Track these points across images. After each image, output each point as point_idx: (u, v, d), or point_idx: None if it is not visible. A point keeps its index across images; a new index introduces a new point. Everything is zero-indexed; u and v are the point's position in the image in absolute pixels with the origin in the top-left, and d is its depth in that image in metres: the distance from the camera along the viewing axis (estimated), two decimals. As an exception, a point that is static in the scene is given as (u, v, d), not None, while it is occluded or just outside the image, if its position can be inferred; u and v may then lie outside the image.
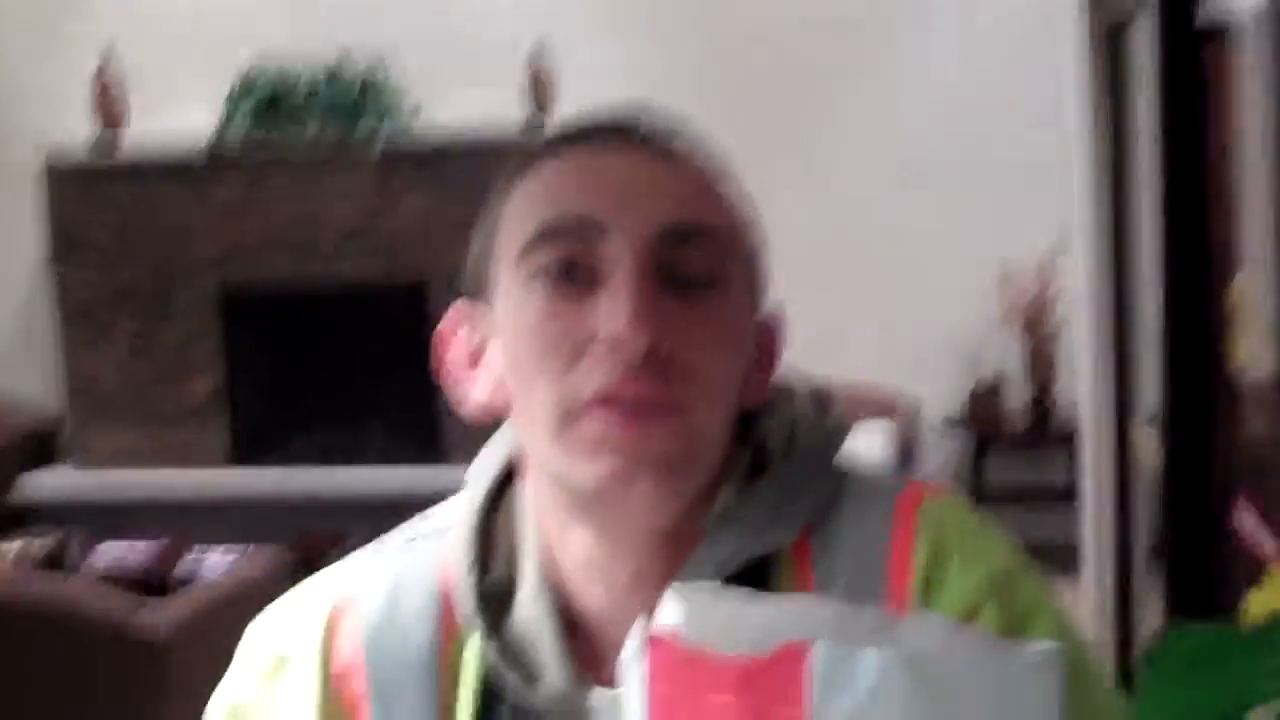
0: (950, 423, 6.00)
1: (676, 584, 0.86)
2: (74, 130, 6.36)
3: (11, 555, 4.14)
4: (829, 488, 0.98)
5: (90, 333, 6.39)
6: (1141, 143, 3.08)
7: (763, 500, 0.96)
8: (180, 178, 6.25)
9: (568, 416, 0.91)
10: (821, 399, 1.04)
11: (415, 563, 1.03)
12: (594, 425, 0.90)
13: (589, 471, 0.90)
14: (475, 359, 1.00)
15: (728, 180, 1.00)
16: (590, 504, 0.93)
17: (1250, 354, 2.23)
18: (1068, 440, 4.75)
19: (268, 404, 6.47)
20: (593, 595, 0.97)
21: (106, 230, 6.32)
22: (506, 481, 1.03)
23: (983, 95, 5.91)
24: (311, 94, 6.17)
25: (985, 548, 0.96)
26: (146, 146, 6.29)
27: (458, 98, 6.13)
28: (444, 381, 1.02)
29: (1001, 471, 5.93)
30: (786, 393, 1.03)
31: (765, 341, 1.00)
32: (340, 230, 6.14)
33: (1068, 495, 4.30)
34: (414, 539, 1.06)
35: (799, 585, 0.95)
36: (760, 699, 0.76)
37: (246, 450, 6.36)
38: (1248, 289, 2.26)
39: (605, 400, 0.89)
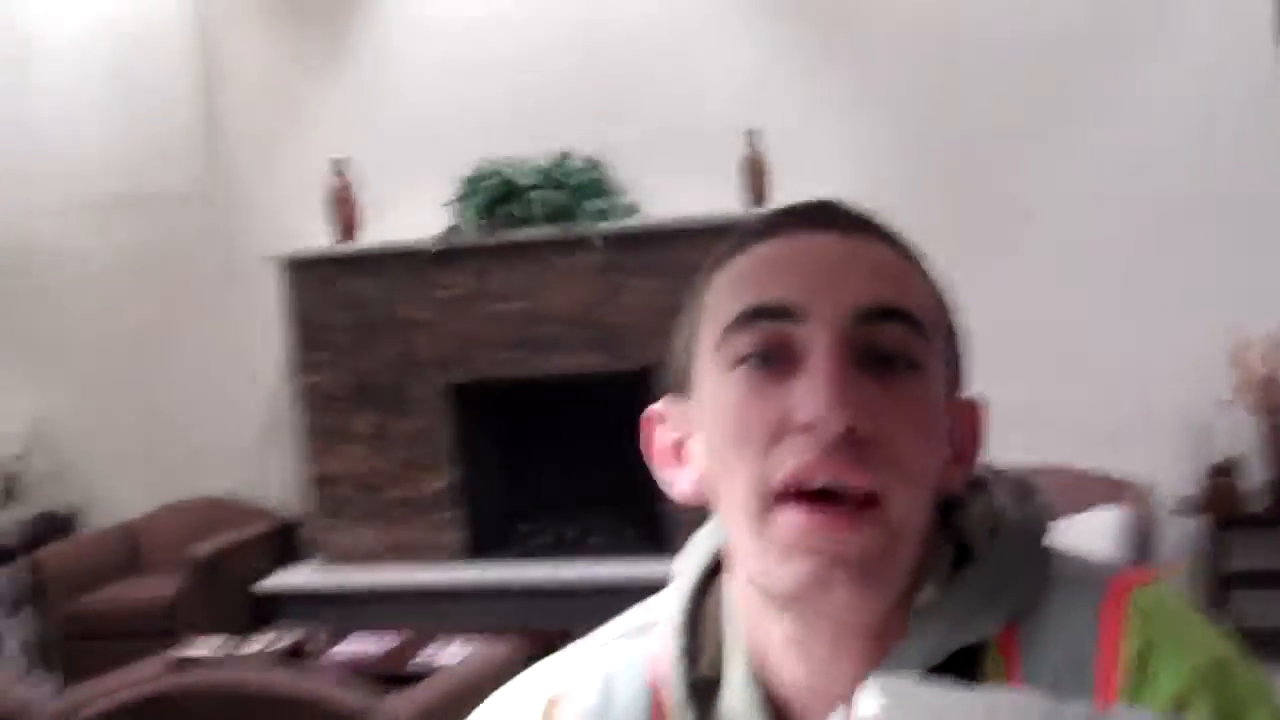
0: (1185, 505, 5.80)
1: (875, 673, 0.85)
2: (311, 236, 6.64)
3: (259, 648, 4.29)
4: (1035, 576, 0.96)
5: (330, 429, 6.60)
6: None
7: (967, 592, 0.95)
8: (411, 272, 6.45)
9: (763, 505, 0.91)
10: (1023, 486, 1.03)
11: (627, 656, 1.04)
12: (789, 524, 0.89)
13: (785, 575, 0.90)
14: (678, 453, 1.01)
15: (925, 264, 1.00)
16: (788, 603, 0.93)
17: None
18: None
19: (498, 496, 6.60)
20: (795, 675, 0.96)
21: (343, 326, 6.55)
22: (714, 573, 1.04)
23: (1209, 162, 5.76)
24: (534, 190, 6.31)
25: (1197, 637, 0.93)
26: (378, 245, 6.52)
27: (675, 191, 6.23)
28: (653, 470, 1.03)
29: (1242, 555, 5.71)
30: (987, 481, 1.02)
31: (965, 428, 0.99)
32: (563, 321, 6.27)
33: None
34: (626, 633, 1.08)
35: (1006, 676, 0.93)
36: None
37: (478, 543, 6.48)
38: None
39: (800, 488, 0.89)
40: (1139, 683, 0.91)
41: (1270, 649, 5.68)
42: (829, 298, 0.92)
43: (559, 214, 6.29)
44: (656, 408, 1.03)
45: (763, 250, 0.97)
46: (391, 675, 4.53)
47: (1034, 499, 1.02)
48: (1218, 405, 5.76)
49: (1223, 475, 5.71)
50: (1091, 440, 5.79)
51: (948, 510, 0.99)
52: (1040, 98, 5.97)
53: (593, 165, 6.35)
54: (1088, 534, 4.23)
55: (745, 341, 0.93)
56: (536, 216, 6.31)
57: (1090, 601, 0.94)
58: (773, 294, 0.93)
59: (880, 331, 0.92)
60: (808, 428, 0.89)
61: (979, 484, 1.01)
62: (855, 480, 0.89)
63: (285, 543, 6.79)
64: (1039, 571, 0.97)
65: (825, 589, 0.90)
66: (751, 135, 6.11)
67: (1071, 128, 5.95)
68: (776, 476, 0.90)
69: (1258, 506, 5.71)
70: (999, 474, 1.04)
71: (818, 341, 0.91)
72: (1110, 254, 5.91)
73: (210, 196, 7.05)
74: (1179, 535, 5.86)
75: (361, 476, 6.58)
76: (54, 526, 7.11)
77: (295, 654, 4.25)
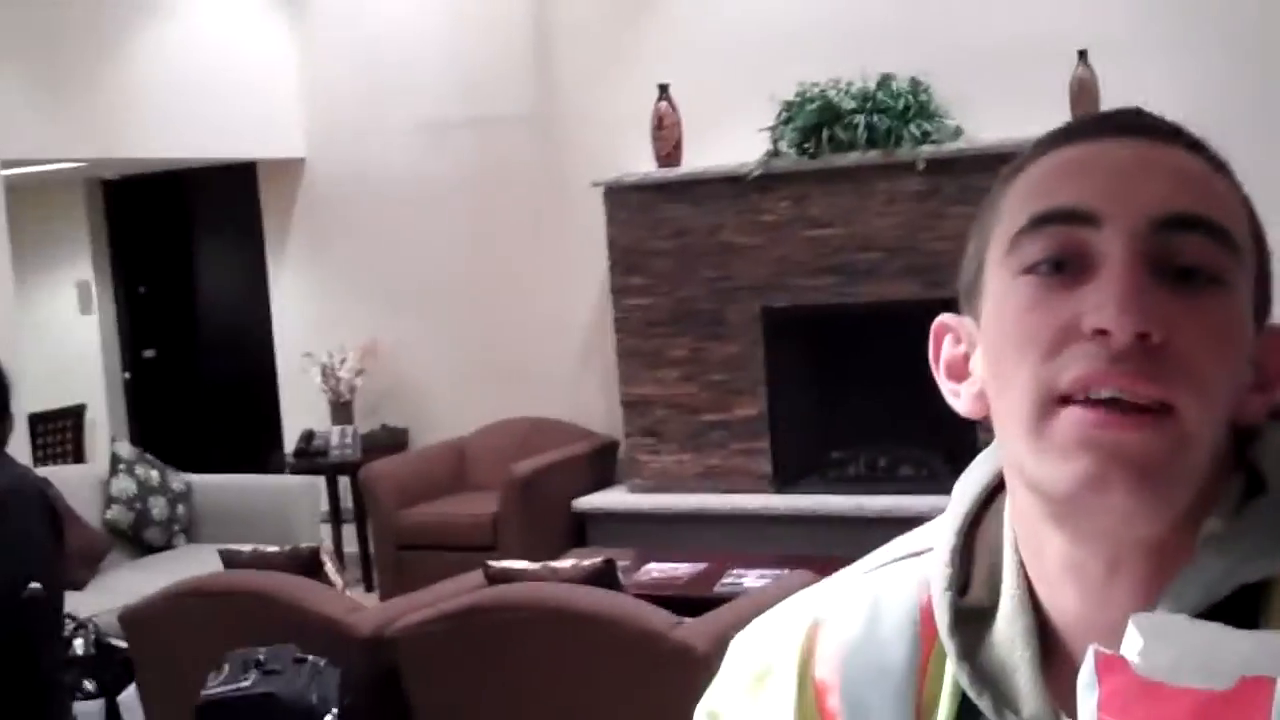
0: None
1: (1138, 613, 0.81)
2: (635, 162, 6.72)
3: (566, 569, 4.38)
4: None
5: (647, 353, 6.71)
6: None
7: (1258, 524, 0.89)
8: (730, 198, 6.47)
9: (1043, 410, 0.86)
10: None
11: (896, 582, 1.01)
12: (1068, 422, 0.85)
13: (1062, 473, 0.85)
14: (965, 366, 0.98)
15: (1234, 178, 0.94)
16: (1064, 512, 0.88)
17: None
18: None
19: (809, 424, 6.58)
20: (1067, 602, 0.92)
21: (662, 251, 6.63)
22: (990, 500, 1.00)
23: None
24: (856, 114, 6.23)
25: None
26: (698, 170, 6.55)
27: (1001, 114, 6.03)
28: (939, 382, 1.00)
29: None
30: None
31: (1272, 355, 0.93)
32: (882, 248, 6.18)
33: None
34: (897, 558, 1.04)
35: None
36: None
37: (788, 470, 6.50)
38: None
39: (1086, 392, 0.84)
40: None
41: None
42: (1127, 202, 0.87)
43: (880, 138, 6.19)
44: (946, 319, 1.00)
45: (1061, 155, 0.92)
46: (695, 599, 4.58)
47: None
48: None
49: None
50: None
51: (1245, 441, 0.92)
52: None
53: (916, 88, 6.22)
54: None
55: (1036, 247, 0.89)
56: (858, 141, 6.23)
57: None
58: (1067, 197, 0.89)
59: (1181, 241, 0.87)
60: (1097, 334, 0.84)
61: (1276, 414, 0.94)
62: (1145, 390, 0.84)
63: (602, 464, 6.94)
64: None
65: (1103, 490, 0.84)
66: (1081, 56, 5.86)
67: None
68: (1061, 382, 0.85)
69: None
70: None
71: (1113, 247, 0.86)
72: None
73: (540, 122, 7.23)
74: None
75: (676, 401, 6.66)
76: (387, 443, 7.44)
77: (603, 573, 4.33)
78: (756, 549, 5.76)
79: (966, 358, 0.97)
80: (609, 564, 4.30)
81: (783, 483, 6.47)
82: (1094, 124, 0.94)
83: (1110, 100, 5.78)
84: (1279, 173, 5.51)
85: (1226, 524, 0.89)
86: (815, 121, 6.30)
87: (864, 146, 6.21)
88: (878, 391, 6.39)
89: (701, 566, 5.23)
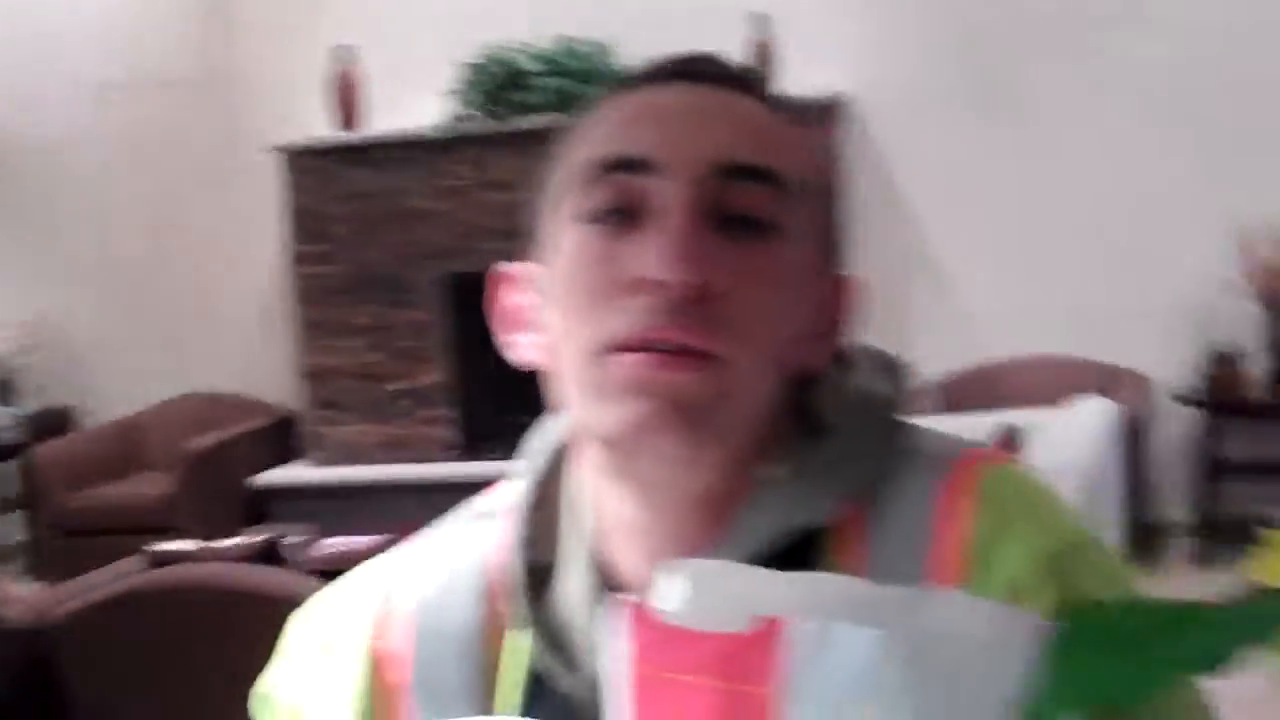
0: (1184, 395, 5.74)
1: (670, 562, 0.81)
2: (313, 125, 6.55)
3: (229, 548, 4.29)
4: (883, 457, 0.92)
5: (328, 322, 6.56)
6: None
7: (810, 469, 0.90)
8: (413, 162, 6.38)
9: (599, 357, 0.86)
10: (889, 366, 0.99)
11: (468, 544, 1.00)
12: (623, 367, 0.85)
13: (616, 415, 0.85)
14: (523, 319, 0.96)
15: (800, 127, 0.94)
16: (621, 461, 0.88)
17: None
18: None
19: (494, 390, 6.52)
20: (634, 560, 0.91)
21: (343, 217, 6.49)
22: (559, 462, 0.99)
23: (1215, 51, 5.63)
24: (539, 76, 6.20)
25: (1045, 521, 0.88)
26: (380, 134, 6.43)
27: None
28: (496, 330, 0.99)
29: (1241, 446, 5.65)
30: (853, 362, 0.97)
31: (831, 304, 0.94)
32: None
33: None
34: (466, 521, 1.03)
35: (848, 558, 0.88)
36: (732, 678, 0.73)
37: (474, 437, 6.45)
38: None
39: (640, 341, 0.85)
40: (981, 566, 0.86)
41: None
42: (685, 151, 0.87)
43: (565, 101, 6.14)
44: (506, 268, 0.99)
45: (625, 102, 0.92)
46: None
47: (897, 377, 0.98)
48: (1221, 294, 5.68)
49: (1224, 365, 5.67)
50: (1092, 330, 5.75)
51: (807, 387, 0.94)
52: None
53: (598, 49, 6.21)
54: (1076, 424, 4.13)
55: (598, 195, 0.89)
56: (542, 103, 6.16)
57: (934, 481, 0.90)
58: (626, 146, 0.89)
59: (741, 190, 0.87)
60: (653, 285, 0.85)
61: (843, 362, 0.97)
62: (697, 341, 0.85)
63: (282, 438, 6.79)
64: (885, 449, 0.93)
65: (656, 432, 0.85)
66: (758, 19, 5.93)
67: (1082, 19, 5.83)
68: (617, 332, 0.86)
69: (1260, 395, 5.66)
70: (868, 351, 0.99)
71: (670, 197, 0.86)
72: (1116, 144, 5.82)
73: (215, 83, 6.99)
74: (1177, 427, 5.80)
75: (359, 370, 6.56)
76: (53, 423, 7.10)
77: (274, 550, 4.23)
78: (443, 518, 5.68)
79: (530, 308, 0.95)
80: (272, 540, 4.27)
81: (470, 450, 6.42)
82: (661, 70, 0.93)
83: (792, 64, 5.88)
84: (955, 135, 5.84)
85: (783, 471, 0.90)
86: (499, 84, 6.27)
87: (549, 109, 6.16)
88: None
89: (385, 538, 5.12)
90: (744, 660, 0.73)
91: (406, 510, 5.95)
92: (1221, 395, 5.62)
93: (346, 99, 6.48)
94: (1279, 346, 5.60)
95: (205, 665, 3.81)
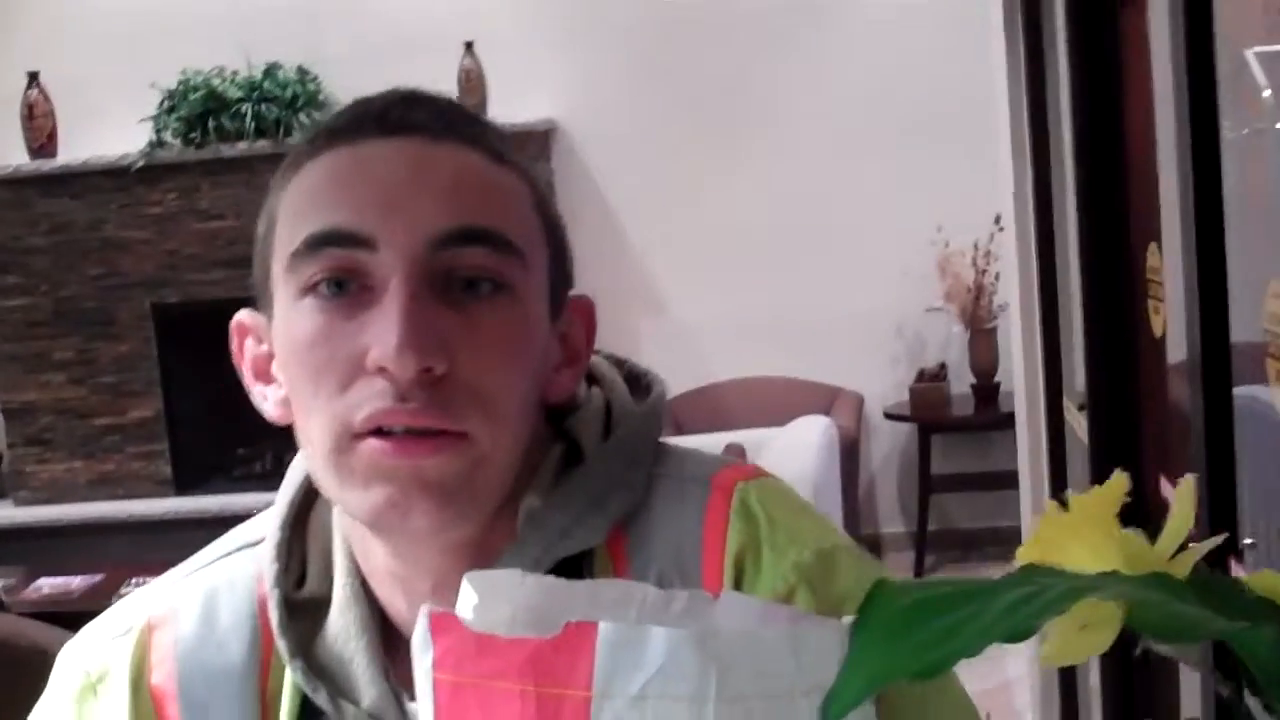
0: (894, 412, 5.95)
1: (471, 572, 0.80)
2: (4, 153, 6.29)
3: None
4: (641, 480, 0.93)
5: (28, 356, 6.32)
6: (1063, 111, 3.02)
7: (572, 499, 0.91)
8: (114, 190, 6.19)
9: (341, 443, 0.85)
10: (639, 383, 1.00)
11: (231, 577, 0.98)
12: (366, 454, 0.85)
13: (363, 501, 0.86)
14: (264, 370, 0.95)
15: (517, 164, 0.92)
16: (376, 531, 0.89)
17: (1167, 327, 2.19)
18: (1012, 425, 4.71)
19: (208, 423, 6.39)
20: (398, 605, 0.92)
21: (41, 248, 6.26)
22: (315, 495, 0.98)
23: (918, 68, 5.84)
24: (242, 104, 6.08)
25: (800, 531, 0.91)
26: (77, 162, 6.22)
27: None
28: (245, 383, 0.98)
29: (948, 460, 5.88)
30: (600, 380, 0.99)
31: (571, 335, 0.95)
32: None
33: (1014, 480, 4.26)
34: (231, 551, 1.01)
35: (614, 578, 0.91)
36: (546, 682, 0.74)
37: (189, 472, 6.30)
38: (1163, 259, 2.21)
39: (379, 429, 0.84)
40: (744, 577, 0.89)
41: (972, 549, 5.91)
42: (403, 224, 0.85)
43: (269, 127, 6.08)
44: (244, 318, 0.96)
45: (332, 161, 0.89)
46: (92, 613, 4.35)
47: (650, 393, 0.99)
48: (928, 315, 5.89)
49: (931, 381, 5.86)
50: (805, 350, 5.91)
51: (562, 413, 0.95)
52: (766, 8, 5.99)
53: (304, 77, 6.15)
54: (796, 443, 4.30)
55: (314, 269, 0.86)
56: (246, 130, 6.09)
57: (696, 499, 0.92)
58: (341, 218, 0.86)
59: (461, 255, 0.86)
60: (382, 371, 0.83)
61: (594, 380, 0.99)
62: (435, 424, 0.84)
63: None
64: (645, 473, 0.94)
65: (404, 513, 0.85)
66: (468, 47, 5.98)
67: (790, 40, 6.00)
68: (355, 419, 0.85)
69: (964, 412, 5.87)
70: (618, 365, 1.01)
71: (391, 272, 0.84)
72: (827, 168, 5.98)
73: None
74: (889, 443, 6.02)
75: (64, 406, 6.33)
76: None
77: (-12, 594, 4.07)
78: (162, 556, 5.53)
79: (268, 358, 0.94)
80: (6, 580, 4.09)
81: (184, 485, 6.27)
82: (363, 121, 0.90)
83: (498, 92, 5.92)
84: (664, 156, 5.96)
85: (544, 500, 0.91)
86: (200, 110, 6.14)
87: (253, 136, 6.08)
88: (279, 385, 6.27)
89: (98, 578, 4.98)
90: (554, 663, 0.73)
91: (119, 549, 5.81)
92: (928, 412, 5.80)
93: (38, 126, 6.25)
94: (978, 364, 5.82)
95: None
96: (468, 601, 0.77)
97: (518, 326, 0.88)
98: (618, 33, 6.10)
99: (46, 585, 4.98)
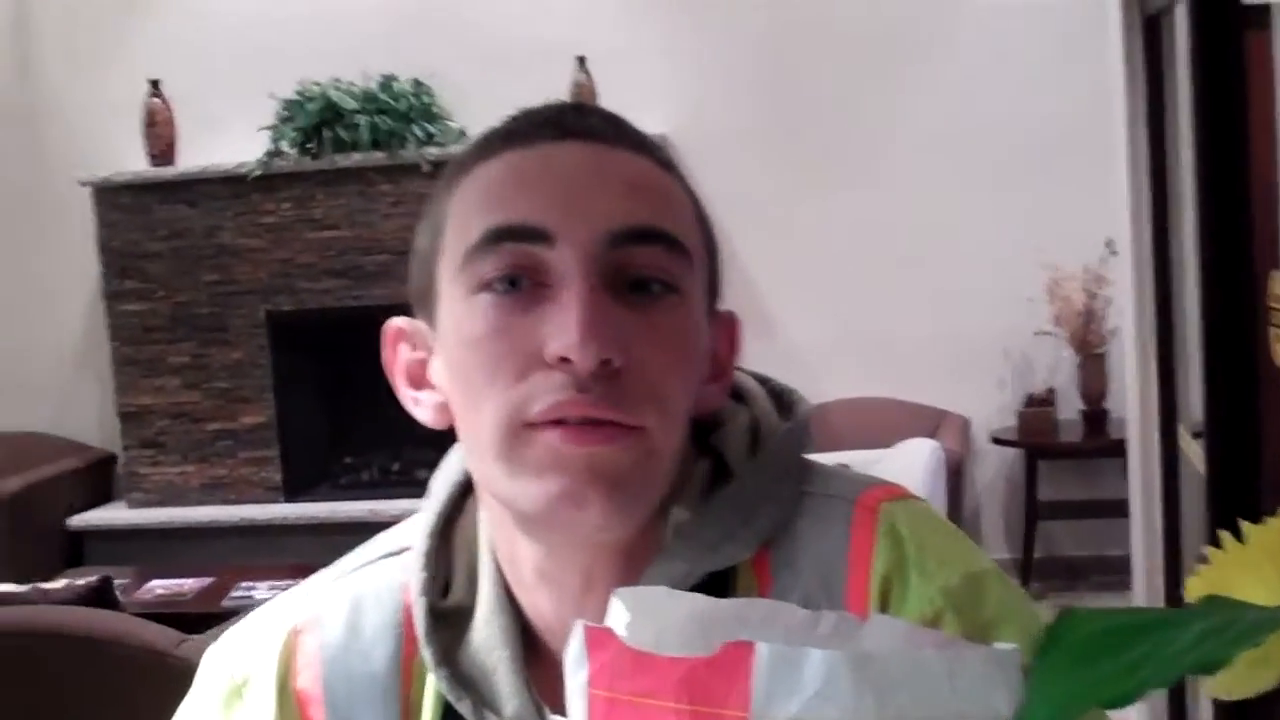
0: (1001, 437, 5.88)
1: (621, 588, 0.82)
2: (127, 160, 6.42)
3: (59, 590, 4.18)
4: (788, 497, 0.94)
5: (146, 361, 6.43)
6: (1182, 135, 2.98)
7: (720, 514, 0.92)
8: (231, 198, 6.29)
9: (514, 435, 0.86)
10: (783, 400, 1.00)
11: (376, 584, 0.99)
12: (541, 444, 0.85)
13: (535, 491, 0.86)
14: (419, 375, 0.96)
15: (682, 176, 0.95)
16: (537, 523, 0.89)
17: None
18: (1121, 452, 4.66)
19: (319, 431, 6.49)
20: (544, 607, 0.93)
21: (160, 254, 6.37)
22: (465, 495, 0.99)
23: (1028, 93, 5.81)
24: (359, 114, 6.17)
25: (947, 554, 0.91)
26: (196, 169, 6.33)
27: (504, 113, 6.10)
28: (396, 388, 0.98)
29: (1055, 486, 5.82)
30: (747, 393, 0.99)
31: (723, 343, 0.96)
32: (389, 250, 6.14)
33: (1122, 508, 4.20)
34: (376, 558, 1.02)
35: (758, 596, 0.91)
36: (702, 701, 0.73)
37: (298, 478, 6.38)
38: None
39: (555, 418, 0.85)
40: (890, 599, 0.89)
41: (1079, 577, 5.83)
42: (580, 219, 0.86)
43: (384, 139, 6.15)
44: (398, 323, 0.97)
45: (508, 162, 0.90)
46: (203, 614, 4.44)
47: (795, 410, 0.99)
48: (1036, 338, 5.84)
49: (1039, 406, 5.79)
50: (912, 372, 5.88)
51: (707, 427, 0.96)
52: (876, 32, 5.98)
53: (419, 89, 6.22)
54: (902, 465, 4.27)
55: (490, 265, 0.87)
56: (361, 141, 6.16)
57: (841, 519, 0.92)
58: (519, 213, 0.87)
59: (636, 254, 0.87)
60: (561, 362, 0.84)
61: (738, 396, 0.98)
62: (611, 414, 0.85)
63: (98, 480, 6.62)
64: (792, 491, 0.94)
65: (577, 506, 0.86)
66: (580, 61, 6.02)
67: (905, 65, 5.99)
68: (531, 410, 0.85)
69: (1072, 437, 5.79)
70: (762, 383, 1.01)
71: (569, 267, 0.86)
72: (935, 190, 5.96)
73: (19, 116, 6.77)
74: (995, 466, 5.97)
75: (178, 410, 6.43)
76: None
77: (98, 594, 4.13)
78: (269, 560, 5.63)
79: (424, 364, 0.95)
80: (105, 581, 4.14)
81: (293, 491, 6.34)
82: (539, 125, 0.92)
83: (609, 105, 5.94)
84: (777, 179, 5.97)
85: (692, 513, 0.92)
86: (317, 121, 6.21)
87: (367, 147, 6.16)
88: (389, 395, 6.33)
89: (208, 581, 5.06)
90: (710, 682, 0.73)
91: (228, 552, 5.90)
92: (1036, 437, 5.74)
93: (158, 133, 6.38)
94: (1088, 389, 5.74)
95: (44, 709, 3.73)
96: (620, 618, 0.77)
97: (686, 328, 0.89)
98: (731, 50, 6.12)
99: (159, 586, 5.06)
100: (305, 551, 5.79)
